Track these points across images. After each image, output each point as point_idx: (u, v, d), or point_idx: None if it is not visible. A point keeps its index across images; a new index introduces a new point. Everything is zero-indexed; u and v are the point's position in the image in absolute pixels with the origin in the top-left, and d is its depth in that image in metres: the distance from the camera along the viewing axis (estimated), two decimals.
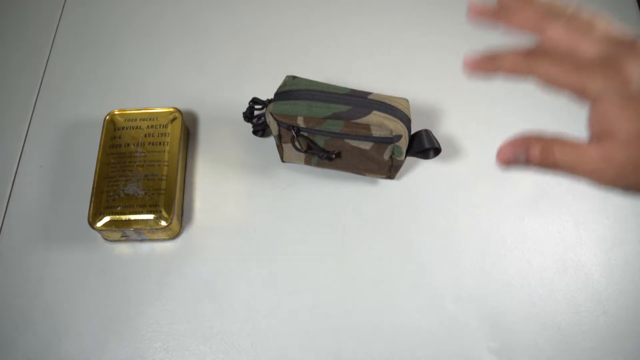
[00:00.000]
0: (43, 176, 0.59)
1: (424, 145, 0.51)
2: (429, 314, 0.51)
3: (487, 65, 0.28)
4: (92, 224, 0.52)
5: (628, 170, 0.24)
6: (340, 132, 0.50)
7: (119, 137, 0.56)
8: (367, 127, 0.49)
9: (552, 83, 0.26)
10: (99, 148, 0.56)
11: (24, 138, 0.62)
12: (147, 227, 0.52)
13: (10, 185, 0.59)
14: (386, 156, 0.52)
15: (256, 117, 0.58)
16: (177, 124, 0.57)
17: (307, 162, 0.57)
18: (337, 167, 0.56)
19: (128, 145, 0.56)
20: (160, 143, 0.56)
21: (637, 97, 0.23)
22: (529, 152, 0.26)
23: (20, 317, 0.52)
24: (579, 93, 0.25)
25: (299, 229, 0.56)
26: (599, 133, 0.25)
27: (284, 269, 0.54)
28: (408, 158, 0.55)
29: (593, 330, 0.50)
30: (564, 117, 0.62)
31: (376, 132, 0.49)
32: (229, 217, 0.57)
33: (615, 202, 0.56)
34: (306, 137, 0.53)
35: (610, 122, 0.24)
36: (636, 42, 0.25)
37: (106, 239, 0.55)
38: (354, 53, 0.67)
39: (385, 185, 0.58)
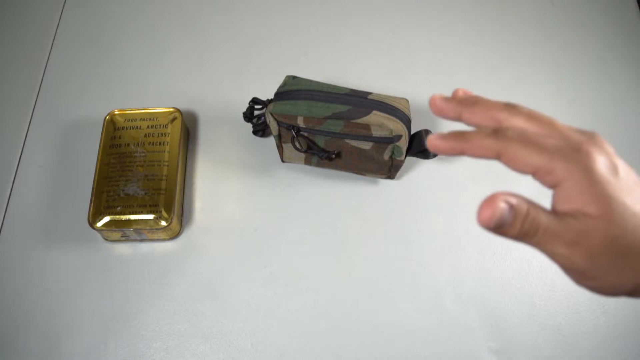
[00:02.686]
0: (43, 176, 0.59)
1: (424, 145, 0.51)
2: (429, 314, 0.51)
3: (454, 143, 0.26)
4: (92, 224, 0.52)
5: (601, 247, 0.23)
6: (340, 132, 0.50)
7: (119, 137, 0.56)
8: (367, 127, 0.49)
9: (520, 163, 0.25)
10: (99, 148, 0.56)
11: (24, 138, 0.62)
12: (147, 227, 0.52)
13: (10, 185, 0.59)
14: (386, 156, 0.52)
15: (256, 117, 0.58)
16: (177, 124, 0.57)
17: (307, 162, 0.57)
18: (337, 167, 0.56)
19: (128, 145, 0.56)
20: (160, 143, 0.56)
21: (604, 176, 0.24)
22: (516, 210, 0.24)
23: (20, 317, 0.52)
24: (545, 174, 0.24)
25: (299, 229, 0.56)
26: (568, 211, 0.24)
27: (284, 269, 0.54)
28: (408, 158, 0.55)
29: (593, 330, 0.50)
30: (563, 118, 0.62)
31: (376, 132, 0.49)
32: (229, 217, 0.57)
33: None
34: (306, 137, 0.53)
35: (581, 199, 0.24)
36: (595, 134, 0.26)
37: (106, 239, 0.55)
38: (354, 53, 0.67)
39: (385, 185, 0.58)
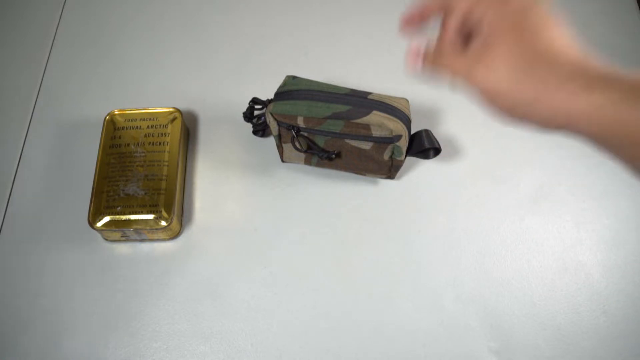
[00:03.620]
0: (43, 176, 0.59)
1: (424, 145, 0.51)
2: (429, 314, 0.51)
3: (412, 13, 0.34)
4: (92, 224, 0.52)
5: (497, 61, 0.29)
6: (340, 132, 0.50)
7: (119, 137, 0.56)
8: (367, 127, 0.49)
9: (459, 5, 0.31)
10: (99, 148, 0.56)
11: (24, 138, 0.62)
12: (147, 227, 0.52)
13: (10, 185, 0.59)
14: (386, 156, 0.52)
15: (256, 117, 0.58)
16: (177, 124, 0.57)
17: (307, 162, 0.57)
18: (337, 167, 0.56)
19: (128, 145, 0.56)
20: (160, 143, 0.56)
21: (514, 13, 0.29)
22: (425, 56, 0.33)
23: (20, 317, 0.52)
24: (472, 12, 0.31)
25: (299, 229, 0.56)
26: (482, 42, 0.30)
27: (284, 269, 0.54)
28: (408, 158, 0.55)
29: (593, 330, 0.50)
30: None
31: (376, 132, 0.49)
32: (229, 217, 0.57)
33: (616, 202, 0.56)
34: (306, 137, 0.53)
35: (490, 26, 0.29)
36: None
37: (106, 239, 0.55)
38: (354, 53, 0.67)
39: (385, 185, 0.58)
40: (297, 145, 0.52)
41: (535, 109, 0.28)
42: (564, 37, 0.29)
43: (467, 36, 0.33)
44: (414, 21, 0.35)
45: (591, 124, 0.26)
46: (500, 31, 0.29)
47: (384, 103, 0.50)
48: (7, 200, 0.58)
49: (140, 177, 0.54)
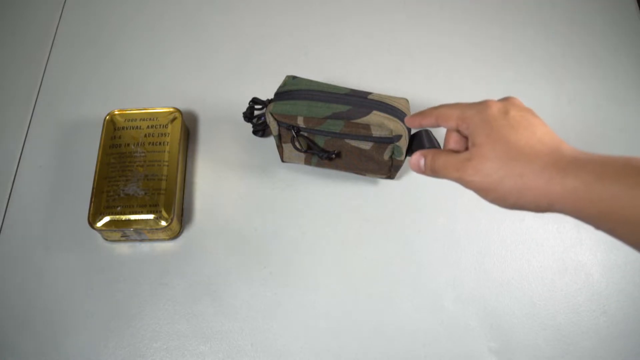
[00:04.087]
0: (43, 176, 0.59)
1: (424, 145, 0.51)
2: (429, 314, 0.51)
3: (416, 119, 0.40)
4: (92, 224, 0.52)
5: (481, 165, 0.33)
6: (340, 132, 0.50)
7: (119, 137, 0.56)
8: (367, 127, 0.49)
9: (447, 118, 0.37)
10: (99, 148, 0.56)
11: (24, 138, 0.62)
12: (147, 227, 0.52)
13: (10, 185, 0.59)
14: (386, 156, 0.52)
15: (256, 117, 0.58)
16: (177, 124, 0.57)
17: (307, 162, 0.57)
18: (337, 167, 0.56)
19: (128, 145, 0.56)
20: (160, 143, 0.56)
21: (494, 118, 0.34)
22: (425, 159, 0.38)
23: (20, 317, 0.52)
24: (461, 122, 0.35)
25: (299, 229, 0.56)
26: (470, 145, 0.34)
27: (284, 269, 0.54)
28: (408, 158, 0.55)
29: (593, 330, 0.50)
30: (563, 118, 0.62)
31: (376, 132, 0.49)
32: (229, 217, 0.57)
33: None
34: (306, 137, 0.53)
35: (474, 135, 0.34)
36: (509, 97, 0.36)
37: (106, 239, 0.55)
38: (354, 53, 0.67)
39: (385, 185, 0.58)
40: (297, 145, 0.52)
41: (522, 198, 0.31)
42: (539, 130, 0.33)
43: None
44: (415, 124, 0.41)
45: (569, 205, 0.29)
46: (484, 134, 0.33)
47: (384, 103, 0.50)
48: (7, 200, 0.58)
49: (140, 177, 0.54)
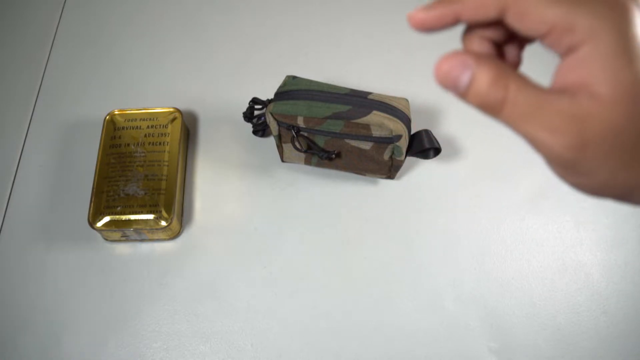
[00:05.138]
0: (43, 176, 0.59)
1: (424, 145, 0.51)
2: (429, 314, 0.51)
3: (443, 10, 0.20)
4: (92, 224, 0.52)
5: (598, 139, 0.18)
6: (340, 132, 0.50)
7: (119, 137, 0.56)
8: (367, 127, 0.49)
9: (532, 19, 0.18)
10: (99, 148, 0.56)
11: (24, 138, 0.62)
12: (147, 227, 0.52)
13: (10, 185, 0.59)
14: (386, 156, 0.52)
15: (256, 117, 0.58)
16: (177, 124, 0.57)
17: (307, 162, 0.57)
18: (337, 167, 0.56)
19: (128, 145, 0.56)
20: (160, 143, 0.56)
21: (634, 50, 0.18)
22: (475, 76, 0.19)
23: (20, 317, 0.52)
24: (562, 32, 0.18)
25: (299, 228, 0.56)
26: (572, 84, 0.18)
27: (284, 269, 0.54)
28: (408, 158, 0.55)
29: (593, 330, 0.50)
30: None
31: (376, 132, 0.49)
32: (229, 217, 0.57)
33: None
34: (306, 137, 0.53)
35: (595, 70, 0.18)
36: None
37: (106, 239, 0.55)
38: (354, 53, 0.67)
39: (385, 185, 0.58)
40: (297, 145, 0.52)
41: (632, 196, 0.20)
42: None
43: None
44: (446, 20, 0.21)
45: None
46: (621, 77, 0.17)
47: (384, 103, 0.50)
48: (7, 200, 0.58)
49: (140, 177, 0.54)
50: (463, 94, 0.20)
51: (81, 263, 0.54)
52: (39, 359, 0.50)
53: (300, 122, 0.50)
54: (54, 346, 0.51)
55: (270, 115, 0.51)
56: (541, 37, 0.19)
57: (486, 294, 0.52)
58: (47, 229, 0.56)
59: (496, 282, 0.53)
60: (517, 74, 0.19)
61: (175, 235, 0.55)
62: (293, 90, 0.51)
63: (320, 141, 0.52)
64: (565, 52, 0.19)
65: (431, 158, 0.53)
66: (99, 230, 0.52)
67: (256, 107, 0.60)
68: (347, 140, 0.51)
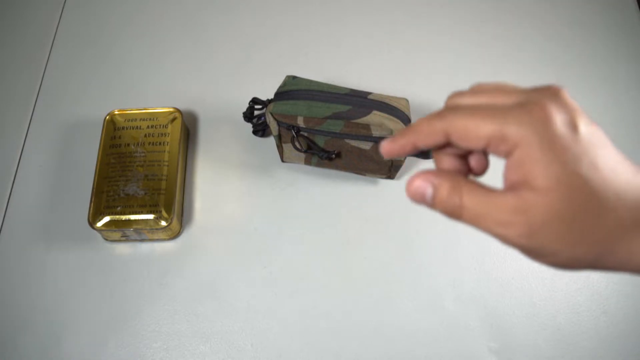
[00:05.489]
0: (43, 176, 0.59)
1: None
2: (429, 314, 0.51)
3: (403, 141, 0.25)
4: (92, 224, 0.52)
5: (543, 225, 0.21)
6: (340, 132, 0.50)
7: (119, 137, 0.56)
8: (367, 127, 0.49)
9: (471, 137, 0.22)
10: (99, 148, 0.56)
11: (24, 138, 0.62)
12: (147, 227, 0.52)
13: (10, 185, 0.59)
14: None
15: (256, 117, 0.58)
16: (177, 124, 0.57)
17: (307, 162, 0.57)
18: (337, 167, 0.56)
19: (128, 145, 0.56)
20: (160, 143, 0.56)
21: (560, 138, 0.21)
22: (436, 190, 0.23)
23: (20, 317, 0.52)
24: (498, 142, 0.22)
25: (299, 229, 0.56)
26: (515, 182, 0.22)
27: (284, 269, 0.54)
28: (408, 158, 0.55)
29: (593, 330, 0.50)
30: None
31: (376, 132, 0.49)
32: (229, 217, 0.57)
33: None
34: (306, 137, 0.53)
35: (529, 167, 0.21)
36: (554, 87, 0.23)
37: (106, 239, 0.55)
38: (354, 53, 0.67)
39: (385, 185, 0.58)
40: (297, 145, 0.52)
41: (597, 266, 0.22)
42: (616, 158, 0.22)
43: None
44: (405, 150, 0.25)
45: None
46: (549, 172, 0.21)
47: (384, 103, 0.50)
48: (7, 200, 0.58)
49: (140, 177, 0.54)
50: (431, 205, 0.24)
51: (81, 263, 0.54)
52: (39, 359, 0.50)
53: (300, 122, 0.50)
54: (54, 346, 0.51)
55: (270, 115, 0.51)
56: (483, 149, 0.23)
57: (486, 294, 0.52)
58: (47, 229, 0.56)
59: (496, 282, 0.53)
60: (469, 183, 0.23)
61: (175, 235, 0.55)
62: (293, 90, 0.51)
63: (320, 141, 0.52)
64: (505, 156, 0.22)
65: (431, 158, 0.53)
66: (99, 230, 0.52)
67: (256, 107, 0.60)
68: (347, 140, 0.51)
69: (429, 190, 0.24)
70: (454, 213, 0.23)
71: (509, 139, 0.22)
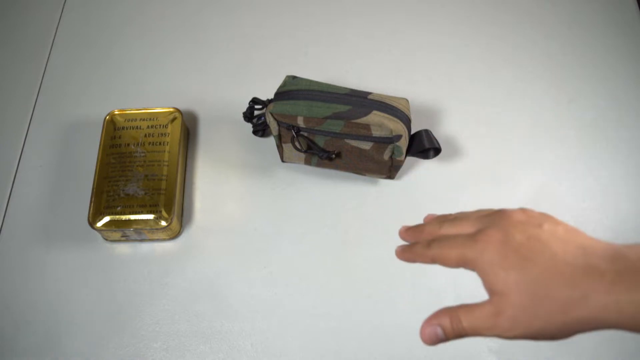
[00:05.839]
0: (43, 176, 0.59)
1: (424, 145, 0.51)
2: (429, 314, 0.51)
3: (406, 254, 0.33)
4: (92, 224, 0.52)
5: (518, 319, 0.26)
6: (340, 132, 0.50)
7: (119, 137, 0.56)
8: (367, 127, 0.49)
9: (449, 262, 0.30)
10: (99, 148, 0.56)
11: (24, 138, 0.62)
12: (147, 227, 0.52)
13: (10, 185, 0.59)
14: (386, 156, 0.52)
15: (256, 117, 0.58)
16: (177, 124, 0.57)
17: (307, 162, 0.57)
18: (337, 167, 0.56)
19: (128, 145, 0.56)
20: (160, 143, 0.56)
21: (513, 248, 0.27)
22: (442, 327, 0.29)
23: (20, 317, 0.52)
24: (467, 265, 0.29)
25: (299, 229, 0.56)
26: (488, 291, 0.28)
27: (284, 269, 0.54)
28: (408, 158, 0.55)
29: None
30: (563, 118, 0.62)
31: (376, 132, 0.49)
32: (229, 217, 0.57)
33: (616, 202, 0.56)
34: (306, 137, 0.53)
35: (493, 278, 0.28)
36: (498, 211, 0.30)
37: (106, 239, 0.55)
38: (354, 53, 0.67)
39: (385, 185, 0.58)
40: (297, 145, 0.52)
41: (583, 326, 0.26)
42: (570, 241, 0.27)
43: None
44: (411, 260, 0.34)
45: (628, 322, 0.24)
46: (501, 281, 0.27)
47: (384, 103, 0.50)
48: (7, 200, 0.58)
49: (140, 177, 0.54)
50: (445, 340, 0.29)
51: (81, 263, 0.54)
52: (38, 359, 0.50)
53: (300, 122, 0.50)
54: (54, 346, 0.51)
55: (270, 115, 0.51)
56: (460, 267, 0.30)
57: (486, 294, 0.52)
58: (47, 229, 0.56)
59: None
60: (462, 307, 0.29)
61: (175, 235, 0.55)
62: (293, 90, 0.51)
63: (320, 141, 0.52)
64: (474, 271, 0.29)
65: (431, 158, 0.53)
66: (99, 230, 0.52)
67: (256, 107, 0.60)
68: (347, 140, 0.51)
69: (439, 331, 0.29)
70: (462, 335, 0.29)
71: (469, 262, 0.29)
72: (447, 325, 0.29)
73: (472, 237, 0.29)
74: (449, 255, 0.30)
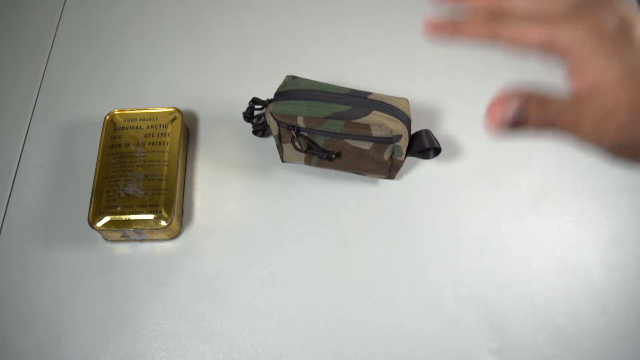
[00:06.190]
0: (43, 176, 0.59)
1: (424, 145, 0.51)
2: (429, 314, 0.51)
3: (448, 29, 0.26)
4: (92, 224, 0.52)
5: (611, 117, 0.22)
6: (340, 132, 0.50)
7: (119, 137, 0.56)
8: (367, 127, 0.49)
9: (518, 42, 0.24)
10: (99, 148, 0.56)
11: (24, 138, 0.62)
12: (147, 227, 0.52)
13: (10, 185, 0.59)
14: (386, 156, 0.52)
15: (256, 117, 0.58)
16: (177, 124, 0.57)
17: (307, 162, 0.57)
18: (337, 167, 0.56)
19: (128, 145, 0.56)
20: (160, 143, 0.56)
21: (613, 38, 0.22)
22: (527, 111, 0.23)
23: (20, 317, 0.52)
24: (549, 47, 0.23)
25: (299, 229, 0.56)
26: (584, 86, 0.23)
27: (284, 269, 0.54)
28: (408, 158, 0.55)
29: (593, 330, 0.50)
30: None
31: (376, 132, 0.49)
32: (229, 217, 0.57)
33: (616, 202, 0.56)
34: (306, 137, 0.53)
35: (592, 69, 0.22)
36: None
37: (106, 239, 0.55)
38: (354, 53, 0.67)
39: (385, 185, 0.58)
40: (297, 145, 0.52)
41: None
42: None
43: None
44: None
45: None
46: (601, 64, 0.22)
47: (384, 103, 0.50)
48: (7, 200, 0.58)
49: (140, 177, 0.54)
50: (522, 125, 0.23)
51: (81, 263, 0.54)
52: (38, 359, 0.50)
53: (300, 122, 0.50)
54: (54, 346, 0.51)
55: (270, 115, 0.51)
56: (534, 52, 0.24)
57: (486, 294, 0.52)
58: (47, 229, 0.56)
59: (496, 282, 0.53)
60: (551, 97, 0.23)
61: (175, 235, 0.55)
62: (293, 90, 0.51)
63: (320, 141, 0.52)
64: (561, 58, 0.23)
65: (431, 158, 0.53)
66: (99, 230, 0.52)
67: (256, 107, 0.60)
68: (347, 140, 0.51)
69: (517, 114, 0.23)
70: (547, 125, 0.23)
71: (559, 44, 0.23)
72: (532, 111, 0.23)
73: (573, 16, 0.23)
74: (531, 33, 0.23)
